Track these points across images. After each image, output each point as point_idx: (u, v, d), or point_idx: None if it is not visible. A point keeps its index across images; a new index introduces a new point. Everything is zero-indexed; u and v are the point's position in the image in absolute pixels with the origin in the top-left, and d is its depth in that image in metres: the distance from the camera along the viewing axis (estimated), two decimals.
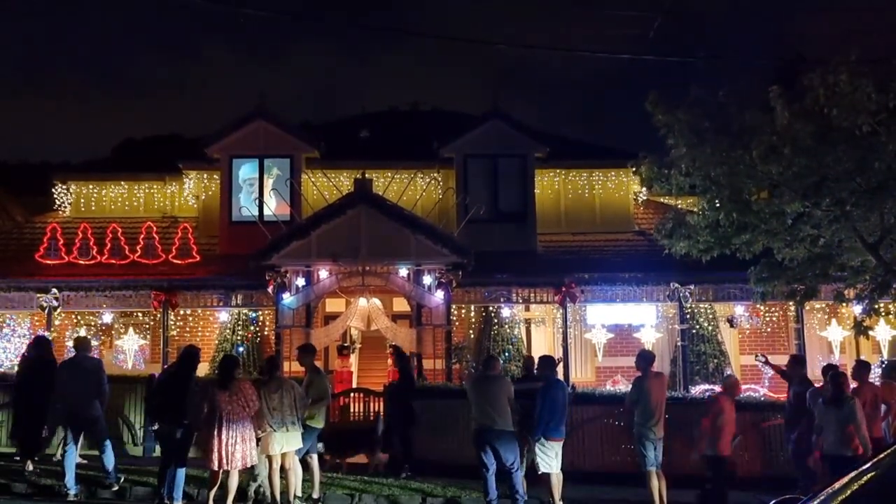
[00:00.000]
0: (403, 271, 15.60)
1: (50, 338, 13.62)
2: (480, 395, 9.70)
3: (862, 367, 11.13)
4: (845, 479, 3.48)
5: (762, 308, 16.37)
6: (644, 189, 17.82)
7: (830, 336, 16.82)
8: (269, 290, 15.61)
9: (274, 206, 17.04)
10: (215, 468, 8.95)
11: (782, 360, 17.49)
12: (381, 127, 21.36)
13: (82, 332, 15.85)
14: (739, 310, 16.79)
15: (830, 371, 10.83)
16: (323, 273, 15.60)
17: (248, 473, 9.62)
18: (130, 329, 17.03)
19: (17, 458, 11.33)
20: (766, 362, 12.00)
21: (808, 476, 10.35)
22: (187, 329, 17.29)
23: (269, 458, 9.34)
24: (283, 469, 9.44)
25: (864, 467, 3.52)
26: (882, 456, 3.56)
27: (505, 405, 9.57)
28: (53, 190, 19.07)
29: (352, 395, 14.22)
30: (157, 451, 10.80)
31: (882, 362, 14.07)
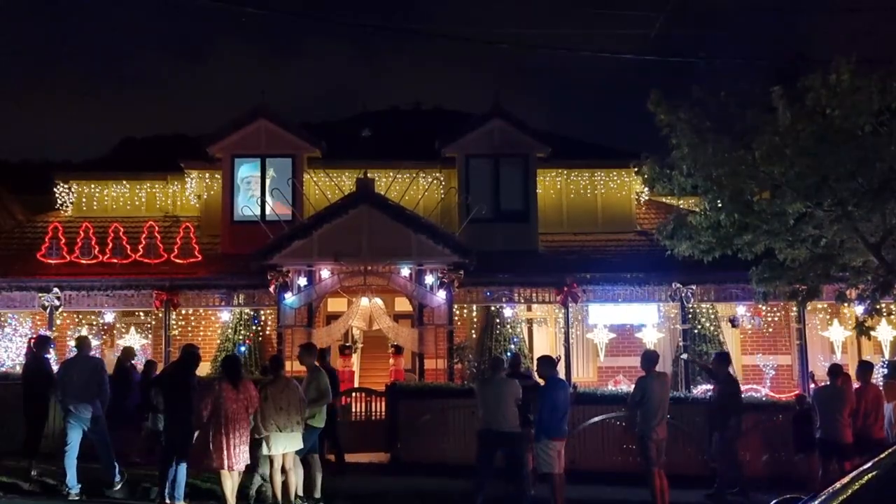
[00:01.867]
0: (405, 271, 15.61)
1: (51, 336, 13.62)
2: (489, 397, 9.76)
3: (865, 368, 11.16)
4: (846, 479, 3.48)
5: (764, 308, 16.35)
6: (646, 189, 17.81)
7: (832, 336, 16.81)
8: (271, 289, 15.62)
9: (275, 206, 17.03)
10: (222, 468, 8.91)
11: (784, 360, 17.60)
12: (383, 126, 21.36)
13: (84, 332, 15.85)
14: (741, 310, 16.78)
15: (835, 370, 10.88)
16: (325, 273, 15.61)
17: (249, 473, 9.62)
18: (132, 329, 17.04)
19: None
20: (693, 361, 12.02)
21: (736, 470, 10.39)
22: (189, 329, 17.29)
23: (271, 457, 9.34)
24: (283, 469, 9.44)
25: (865, 467, 3.52)
26: (882, 456, 3.55)
27: (512, 407, 9.68)
28: (55, 189, 19.07)
29: (353, 394, 14.24)
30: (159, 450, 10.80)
31: (884, 363, 14.08)
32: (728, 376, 11.57)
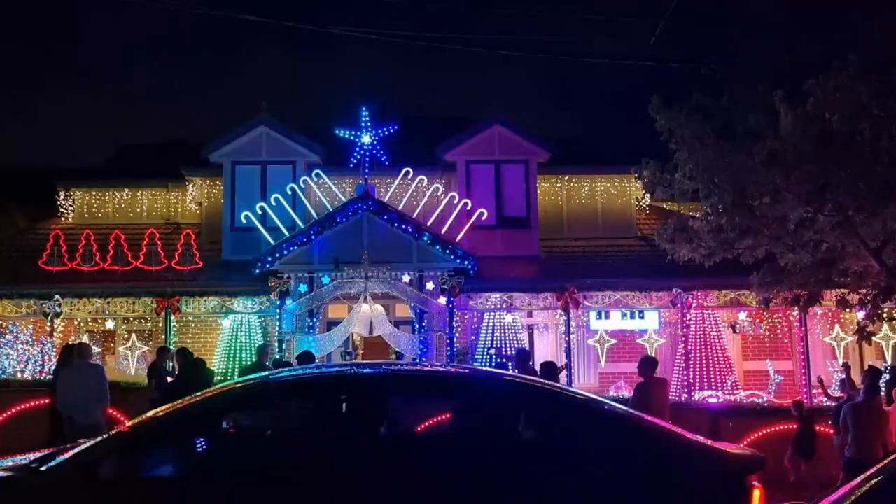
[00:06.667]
0: (406, 277, 15.61)
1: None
2: None
3: (872, 374, 11.10)
4: (852, 484, 3.47)
5: (765, 313, 16.34)
6: (646, 194, 17.81)
7: (834, 341, 16.78)
8: (272, 296, 15.62)
9: (276, 212, 17.03)
10: None
11: (786, 365, 17.57)
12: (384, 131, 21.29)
13: (85, 339, 15.84)
14: (742, 315, 16.76)
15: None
16: (325, 279, 15.61)
17: None
18: (133, 335, 17.02)
19: None
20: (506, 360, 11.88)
21: None
22: (190, 335, 17.27)
23: None
24: None
25: (870, 472, 3.52)
26: (886, 461, 3.55)
27: None
28: (56, 197, 19.08)
29: None
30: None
31: (886, 368, 14.05)
32: (533, 372, 11.27)
